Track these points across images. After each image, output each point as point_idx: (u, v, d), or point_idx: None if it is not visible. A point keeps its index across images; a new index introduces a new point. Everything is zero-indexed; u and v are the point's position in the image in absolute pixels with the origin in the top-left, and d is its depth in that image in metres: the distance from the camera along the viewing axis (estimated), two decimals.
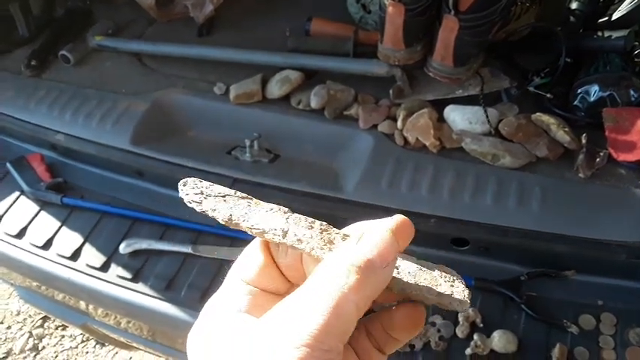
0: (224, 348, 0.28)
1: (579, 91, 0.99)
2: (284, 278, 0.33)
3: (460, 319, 0.88)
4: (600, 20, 1.09)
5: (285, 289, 0.34)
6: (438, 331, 0.87)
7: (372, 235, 0.29)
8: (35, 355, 1.84)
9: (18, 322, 1.92)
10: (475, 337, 0.85)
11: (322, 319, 0.26)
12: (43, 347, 1.86)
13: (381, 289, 0.29)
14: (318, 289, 0.27)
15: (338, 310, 0.26)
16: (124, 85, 1.19)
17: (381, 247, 0.29)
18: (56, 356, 1.83)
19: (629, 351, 0.83)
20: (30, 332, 1.89)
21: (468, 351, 0.84)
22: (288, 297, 0.28)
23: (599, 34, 1.05)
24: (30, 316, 1.93)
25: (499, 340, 0.84)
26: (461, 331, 0.86)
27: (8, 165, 1.19)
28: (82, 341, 1.85)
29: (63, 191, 1.13)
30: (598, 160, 0.91)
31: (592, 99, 0.98)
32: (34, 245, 1.07)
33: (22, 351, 1.84)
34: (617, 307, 0.87)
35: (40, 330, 1.90)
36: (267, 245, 0.33)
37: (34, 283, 1.11)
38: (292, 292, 0.29)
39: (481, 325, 0.87)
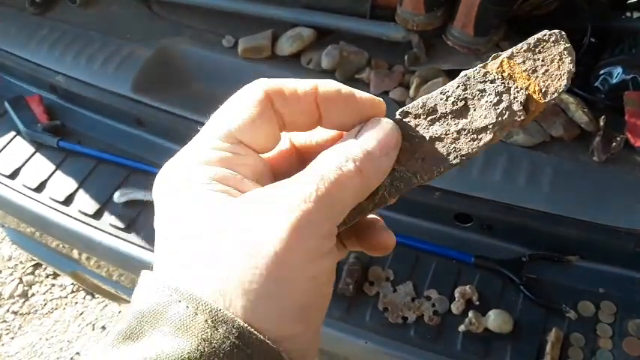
0: (199, 226, 0.26)
1: (602, 72, 0.95)
2: (276, 134, 0.30)
3: (456, 295, 0.85)
4: (630, 0, 1.05)
5: (271, 147, 0.31)
6: (433, 305, 0.85)
7: (372, 127, 0.30)
8: (24, 301, 1.84)
9: (9, 268, 1.92)
10: (470, 314, 0.83)
11: (316, 195, 0.26)
12: (33, 294, 1.85)
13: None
14: (312, 173, 0.27)
15: (332, 192, 0.26)
16: (130, 30, 1.15)
17: (382, 138, 0.29)
18: (45, 304, 1.83)
19: (627, 341, 0.81)
20: (20, 278, 1.89)
21: (462, 328, 0.82)
22: (275, 184, 0.28)
23: (628, 14, 1.01)
24: (21, 262, 1.92)
25: (494, 320, 0.82)
26: (456, 308, 0.84)
27: (6, 104, 1.15)
28: (72, 292, 1.85)
29: (60, 134, 1.10)
30: (614, 144, 0.87)
31: (614, 81, 0.94)
32: (27, 187, 1.04)
33: (11, 296, 1.84)
34: (619, 296, 0.85)
35: (31, 277, 1.89)
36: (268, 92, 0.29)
37: (25, 226, 1.09)
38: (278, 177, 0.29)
39: (477, 303, 0.85)
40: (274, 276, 0.24)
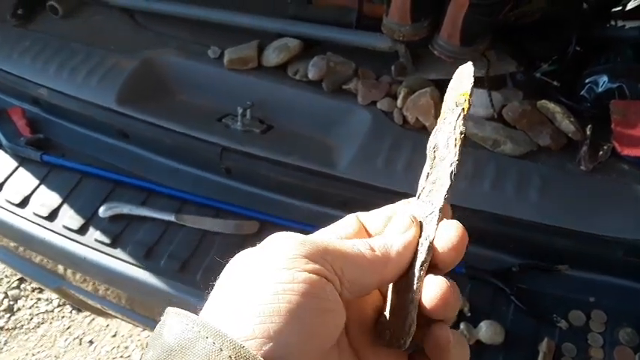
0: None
1: (587, 80, 0.96)
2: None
3: None
4: (614, 9, 1.05)
5: None
6: None
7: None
8: (10, 316, 1.80)
9: None
10: (461, 326, 0.82)
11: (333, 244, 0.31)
12: (18, 309, 1.82)
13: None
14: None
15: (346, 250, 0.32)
16: (114, 41, 1.14)
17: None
18: (31, 319, 1.79)
19: (618, 350, 0.81)
20: (5, 293, 1.85)
21: None
22: None
23: (612, 23, 1.01)
24: (6, 276, 1.89)
25: (486, 331, 0.82)
26: None
27: None
28: (59, 305, 1.81)
29: (43, 148, 1.08)
30: (601, 153, 0.88)
31: (600, 90, 0.94)
32: (10, 202, 1.02)
33: None
34: (609, 305, 0.85)
35: (16, 291, 1.86)
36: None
37: (8, 242, 1.07)
38: None
39: (469, 314, 0.84)
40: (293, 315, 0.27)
